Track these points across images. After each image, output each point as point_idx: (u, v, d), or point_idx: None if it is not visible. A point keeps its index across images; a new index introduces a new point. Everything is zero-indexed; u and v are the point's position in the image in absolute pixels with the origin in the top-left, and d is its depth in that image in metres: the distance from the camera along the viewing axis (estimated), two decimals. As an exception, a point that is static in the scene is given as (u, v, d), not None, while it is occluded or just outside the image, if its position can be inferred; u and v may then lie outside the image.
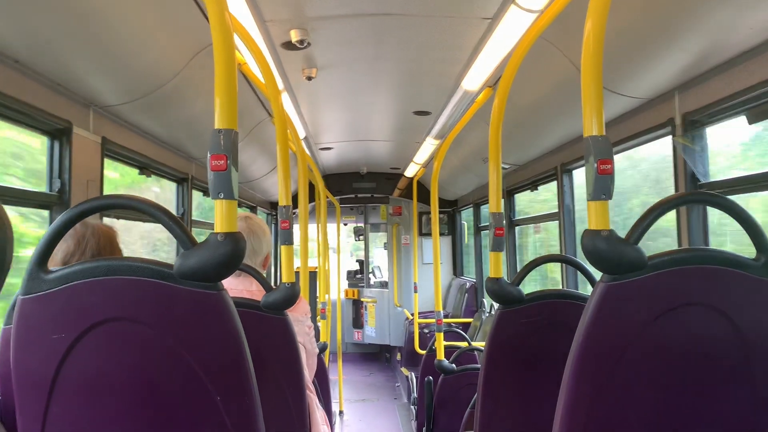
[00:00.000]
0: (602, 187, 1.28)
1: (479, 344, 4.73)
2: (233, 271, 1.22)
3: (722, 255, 1.34)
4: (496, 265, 2.20)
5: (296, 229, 3.16)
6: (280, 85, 3.66)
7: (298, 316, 2.22)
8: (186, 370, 1.22)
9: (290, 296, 1.99)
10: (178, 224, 1.21)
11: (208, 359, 1.22)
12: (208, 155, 1.20)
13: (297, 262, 3.45)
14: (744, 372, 1.35)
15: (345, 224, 10.43)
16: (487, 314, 6.59)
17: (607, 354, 1.30)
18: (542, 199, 5.31)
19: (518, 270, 2.31)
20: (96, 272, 1.18)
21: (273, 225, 8.04)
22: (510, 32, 2.72)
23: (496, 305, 2.20)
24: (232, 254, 1.19)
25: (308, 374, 2.31)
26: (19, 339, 1.18)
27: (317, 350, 2.48)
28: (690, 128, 2.70)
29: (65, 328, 1.18)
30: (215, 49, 1.23)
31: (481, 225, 7.40)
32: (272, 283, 2.08)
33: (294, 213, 2.71)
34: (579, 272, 2.51)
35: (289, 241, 2.20)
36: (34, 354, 1.19)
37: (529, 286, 5.72)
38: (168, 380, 1.23)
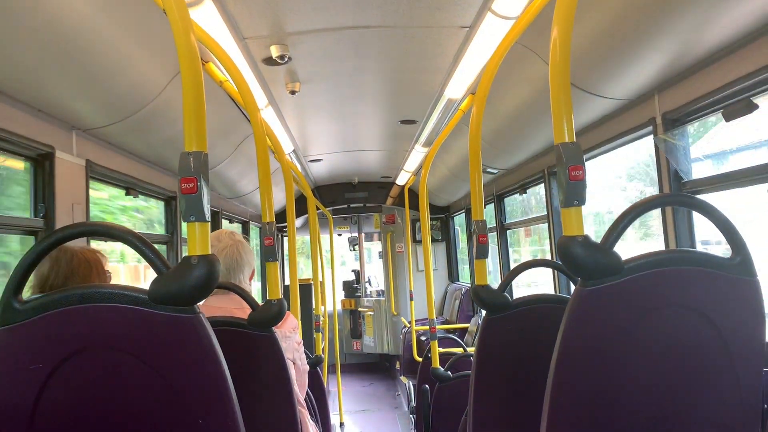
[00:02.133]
0: (575, 194, 1.29)
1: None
2: (208, 294, 1.22)
3: (698, 256, 1.35)
4: (481, 272, 2.20)
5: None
6: (264, 100, 3.66)
7: (286, 332, 2.21)
8: (166, 394, 1.21)
9: (276, 313, 1.98)
10: (151, 249, 1.21)
11: (188, 383, 1.22)
12: (178, 178, 1.20)
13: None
14: (727, 371, 1.35)
15: (339, 235, 10.43)
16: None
17: (587, 359, 1.30)
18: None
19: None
20: (70, 300, 1.18)
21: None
22: (488, 39, 2.74)
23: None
24: (206, 277, 1.18)
25: (299, 390, 2.30)
26: None
27: (308, 367, 2.47)
28: (670, 127, 2.72)
29: (42, 358, 1.18)
30: (182, 73, 1.23)
31: (474, 230, 7.39)
32: (261, 300, 2.08)
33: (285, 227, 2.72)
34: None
35: (273, 257, 2.20)
36: (11, 386, 1.18)
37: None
38: (149, 405, 1.23)
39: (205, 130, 1.23)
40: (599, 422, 1.32)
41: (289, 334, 2.22)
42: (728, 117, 2.33)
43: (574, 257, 1.28)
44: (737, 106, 2.28)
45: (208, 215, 1.22)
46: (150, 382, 1.21)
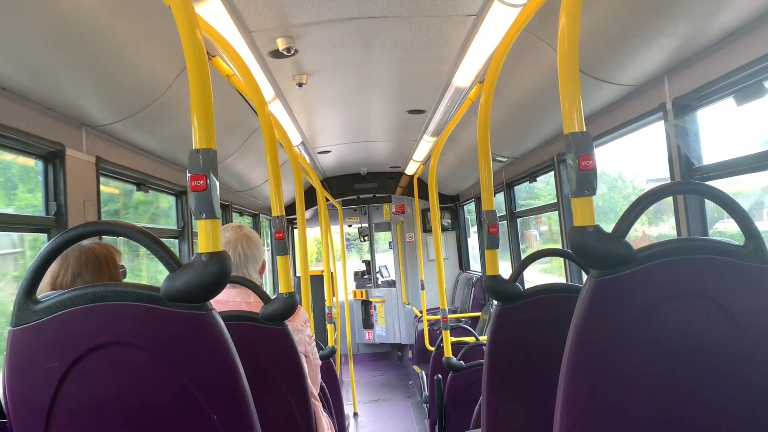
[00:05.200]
0: (585, 183, 1.28)
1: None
2: (220, 291, 1.22)
3: (711, 244, 1.34)
4: (492, 263, 2.20)
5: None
6: (271, 93, 3.66)
7: (298, 325, 2.22)
8: (181, 390, 1.22)
9: (288, 306, 1.99)
10: (162, 247, 1.21)
11: (202, 379, 1.23)
12: (188, 175, 1.21)
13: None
14: (740, 359, 1.34)
15: (349, 226, 10.44)
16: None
17: (601, 348, 1.30)
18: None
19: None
20: (84, 300, 1.19)
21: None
22: (495, 27, 2.72)
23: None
24: (218, 274, 1.19)
25: (312, 385, 2.30)
26: (12, 370, 1.19)
27: (320, 362, 2.47)
28: (681, 112, 2.69)
29: (58, 357, 1.19)
30: (189, 70, 1.23)
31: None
32: (271, 293, 2.09)
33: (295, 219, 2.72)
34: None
35: (284, 251, 2.20)
36: (28, 384, 1.19)
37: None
38: (164, 402, 1.24)
39: (213, 126, 1.23)
40: (614, 411, 1.31)
41: (300, 327, 2.23)
42: (739, 101, 2.30)
43: (586, 247, 1.27)
44: (748, 91, 2.25)
45: (218, 212, 1.22)
46: (164, 378, 1.22)
